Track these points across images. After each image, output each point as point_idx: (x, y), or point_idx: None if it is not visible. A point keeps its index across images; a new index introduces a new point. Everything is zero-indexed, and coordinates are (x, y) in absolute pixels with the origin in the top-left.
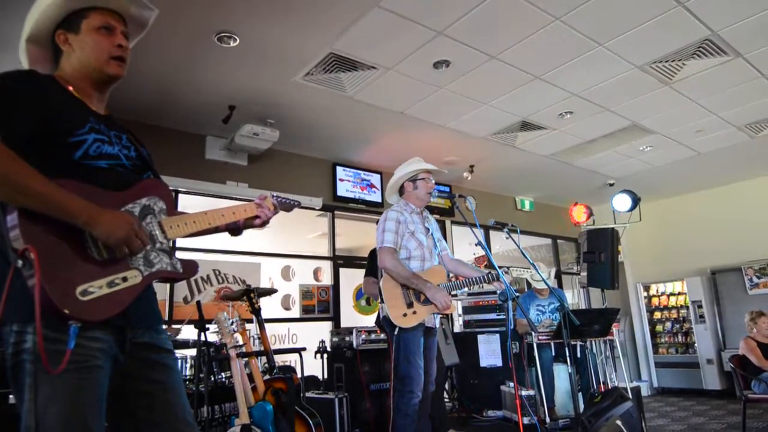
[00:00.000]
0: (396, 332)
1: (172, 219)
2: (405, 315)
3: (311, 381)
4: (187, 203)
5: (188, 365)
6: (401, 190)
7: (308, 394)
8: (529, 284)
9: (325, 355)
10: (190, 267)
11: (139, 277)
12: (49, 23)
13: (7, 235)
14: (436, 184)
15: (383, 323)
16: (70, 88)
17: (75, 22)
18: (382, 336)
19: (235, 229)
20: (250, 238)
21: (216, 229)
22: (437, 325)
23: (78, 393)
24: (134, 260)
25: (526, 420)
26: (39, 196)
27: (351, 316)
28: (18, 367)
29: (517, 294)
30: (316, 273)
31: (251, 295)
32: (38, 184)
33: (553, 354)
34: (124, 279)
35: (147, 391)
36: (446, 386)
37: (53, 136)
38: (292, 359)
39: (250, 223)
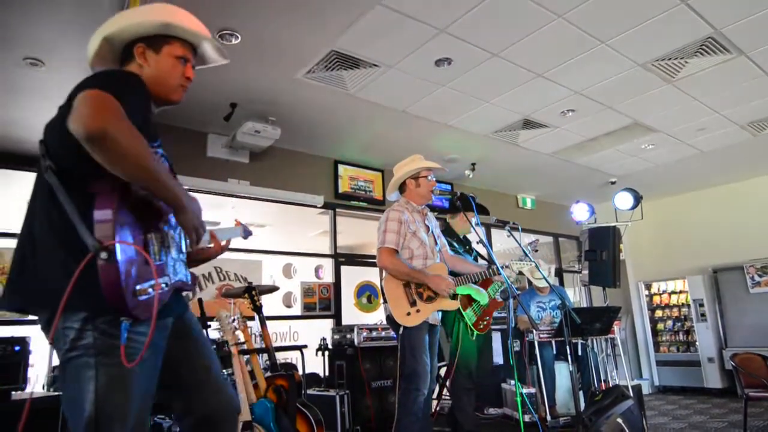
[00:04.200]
0: (401, 331)
1: None
2: (409, 314)
3: (312, 378)
4: None
5: None
6: (402, 188)
7: (309, 392)
8: (530, 282)
9: (327, 353)
10: (194, 279)
11: (170, 282)
12: (132, 33)
13: (90, 227)
14: (438, 182)
15: (388, 323)
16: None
17: (158, 42)
18: (383, 333)
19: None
20: (251, 236)
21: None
22: (440, 322)
23: (132, 382)
24: (169, 267)
25: (527, 418)
26: (162, 183)
27: (352, 314)
28: (73, 361)
29: (518, 292)
30: (317, 270)
31: (253, 292)
32: (162, 174)
33: (555, 352)
34: (166, 284)
35: (174, 355)
36: (447, 384)
37: None
38: (293, 356)
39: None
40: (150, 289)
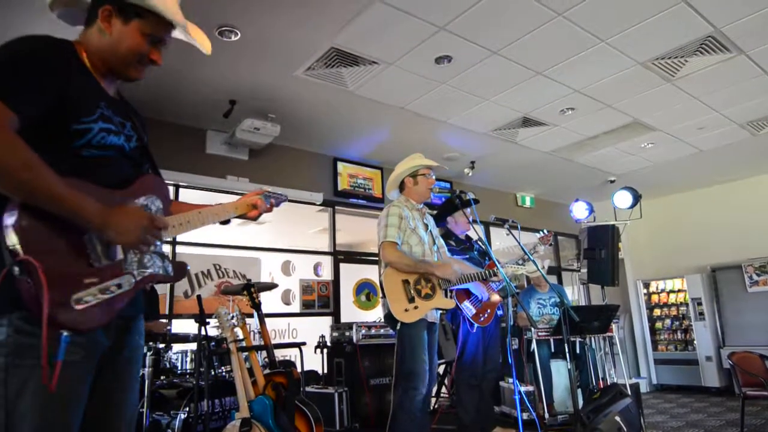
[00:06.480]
0: (399, 328)
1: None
2: (407, 310)
3: (311, 375)
4: (187, 197)
5: (188, 359)
6: (402, 186)
7: (308, 389)
8: (528, 280)
9: (325, 350)
10: (181, 269)
11: (132, 281)
12: None
13: (1, 233)
14: (437, 180)
15: (385, 320)
16: (87, 63)
17: (129, 12)
18: (382, 331)
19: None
20: (250, 234)
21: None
22: (438, 320)
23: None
24: (129, 264)
25: (525, 416)
26: (57, 199)
27: (351, 312)
28: None
29: (518, 291)
30: (316, 268)
31: (251, 289)
32: (57, 187)
33: (552, 350)
34: (119, 286)
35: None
36: (446, 382)
37: (61, 120)
38: (292, 354)
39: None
40: (89, 297)
